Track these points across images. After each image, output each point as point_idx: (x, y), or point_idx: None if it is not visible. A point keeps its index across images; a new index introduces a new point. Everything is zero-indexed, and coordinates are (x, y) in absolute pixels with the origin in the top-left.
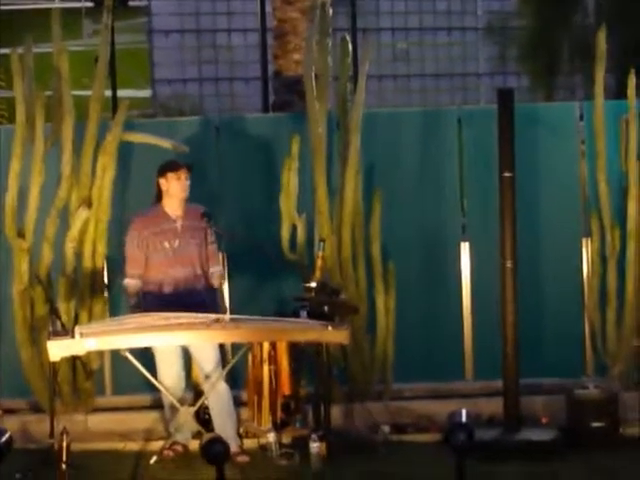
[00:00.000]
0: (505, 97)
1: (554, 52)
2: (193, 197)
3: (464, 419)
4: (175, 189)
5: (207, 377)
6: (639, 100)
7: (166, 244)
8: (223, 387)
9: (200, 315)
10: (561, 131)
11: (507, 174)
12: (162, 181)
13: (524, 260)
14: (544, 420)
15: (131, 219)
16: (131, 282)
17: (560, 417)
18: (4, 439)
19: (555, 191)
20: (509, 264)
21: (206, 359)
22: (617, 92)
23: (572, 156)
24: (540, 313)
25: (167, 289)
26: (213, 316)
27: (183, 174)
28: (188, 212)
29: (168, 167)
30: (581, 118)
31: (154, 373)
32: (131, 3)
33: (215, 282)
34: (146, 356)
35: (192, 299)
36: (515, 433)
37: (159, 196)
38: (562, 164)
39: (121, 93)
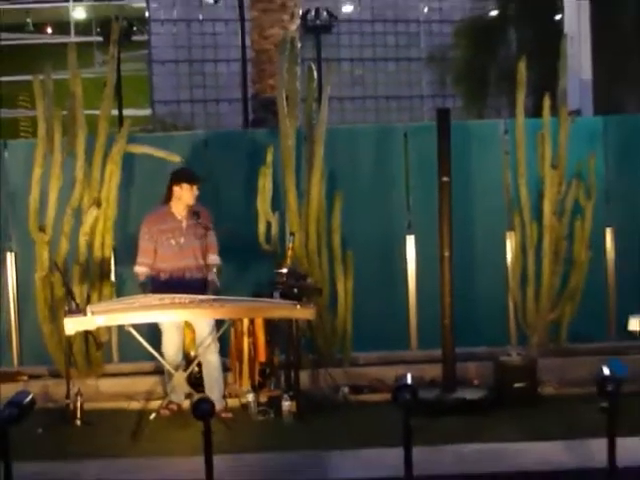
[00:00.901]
0: (443, 115)
1: (483, 78)
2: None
3: (409, 381)
4: (187, 197)
5: (201, 346)
6: (552, 118)
7: (172, 241)
8: (215, 358)
9: (193, 296)
10: (489, 143)
11: (445, 179)
12: (176, 188)
13: (459, 249)
14: (475, 382)
15: (144, 217)
16: (141, 269)
17: (489, 379)
18: (28, 400)
19: (484, 193)
20: (446, 253)
21: (201, 331)
22: (535, 112)
23: (498, 164)
24: (472, 293)
25: (172, 276)
26: (205, 297)
27: (196, 186)
28: (190, 213)
29: (185, 178)
30: (505, 133)
31: (154, 344)
32: (134, 38)
33: (213, 271)
34: (147, 329)
35: (192, 284)
36: (452, 393)
37: (168, 198)
38: (490, 171)
39: (125, 112)
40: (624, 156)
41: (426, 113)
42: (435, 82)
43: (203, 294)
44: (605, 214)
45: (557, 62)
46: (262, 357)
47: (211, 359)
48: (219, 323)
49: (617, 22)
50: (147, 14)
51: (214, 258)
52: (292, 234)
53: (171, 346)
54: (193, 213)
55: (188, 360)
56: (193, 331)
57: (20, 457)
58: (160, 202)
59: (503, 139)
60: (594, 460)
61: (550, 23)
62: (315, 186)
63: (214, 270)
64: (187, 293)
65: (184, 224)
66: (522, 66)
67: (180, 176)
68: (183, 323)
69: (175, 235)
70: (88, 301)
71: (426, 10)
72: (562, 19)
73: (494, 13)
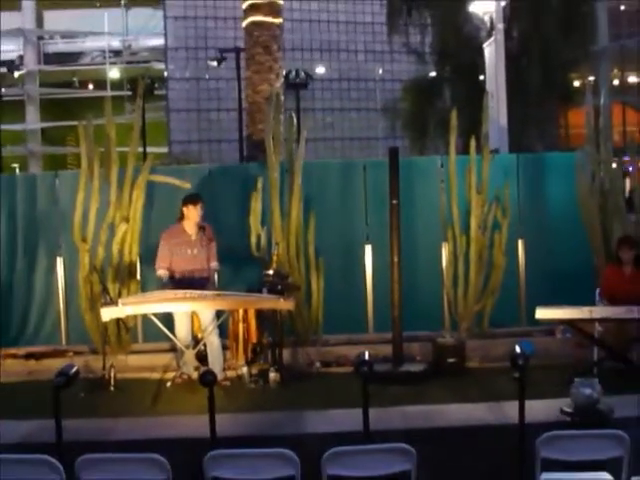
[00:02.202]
0: (393, 153)
1: (425, 124)
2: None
3: (367, 357)
4: (193, 215)
5: (205, 331)
6: (477, 155)
7: (188, 251)
8: (216, 339)
9: (200, 292)
10: (428, 175)
11: (394, 201)
12: (185, 209)
13: (405, 256)
14: (418, 358)
15: (162, 232)
16: (162, 272)
17: (428, 356)
18: (73, 371)
19: (424, 212)
20: (396, 259)
21: (205, 319)
22: (464, 150)
23: (435, 190)
24: (416, 290)
25: (185, 277)
26: (209, 292)
27: (199, 206)
28: (198, 228)
29: (190, 200)
30: (441, 166)
31: (169, 328)
32: (156, 92)
33: (212, 272)
34: (164, 317)
35: (198, 283)
36: (400, 366)
37: (181, 217)
38: (429, 195)
39: (148, 149)
40: (532, 184)
41: (381, 151)
42: (388, 127)
43: (204, 289)
44: (517, 228)
45: (480, 112)
46: (254, 338)
47: (213, 340)
48: (219, 312)
49: (526, 82)
50: (166, 74)
51: (214, 265)
52: (277, 244)
53: (182, 330)
54: (200, 228)
55: (196, 341)
56: (199, 319)
57: (67, 415)
58: (176, 220)
59: (439, 171)
60: (508, 418)
61: (475, 82)
62: (294, 207)
63: (214, 273)
64: (194, 289)
65: (194, 238)
66: (453, 115)
67: (187, 199)
68: (191, 312)
69: (189, 246)
70: (119, 295)
71: (380, 71)
72: (484, 79)
73: (433, 74)
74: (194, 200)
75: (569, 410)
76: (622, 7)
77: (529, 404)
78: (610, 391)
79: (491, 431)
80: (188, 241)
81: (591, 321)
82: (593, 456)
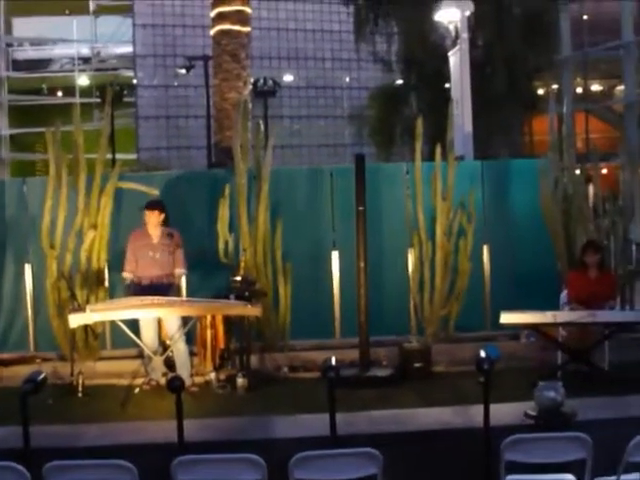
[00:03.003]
0: (360, 160)
1: (391, 131)
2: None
3: (333, 363)
4: (150, 220)
5: (172, 337)
6: (442, 162)
7: (150, 253)
8: (183, 346)
9: (167, 298)
10: (394, 181)
11: (361, 208)
12: (144, 214)
13: (372, 261)
14: (384, 363)
15: (130, 234)
16: (127, 275)
17: (395, 361)
18: (41, 377)
19: (391, 218)
20: (362, 264)
21: (171, 326)
22: (429, 157)
23: (401, 197)
24: (382, 295)
25: (148, 281)
26: (177, 298)
27: (155, 212)
28: (162, 233)
29: (146, 206)
30: (407, 173)
31: (138, 334)
32: (125, 99)
33: (177, 279)
34: (132, 323)
35: (163, 288)
36: (366, 371)
37: (145, 222)
38: (395, 202)
39: (117, 156)
40: (497, 191)
41: (348, 158)
42: (355, 134)
43: (169, 295)
44: (482, 234)
45: (446, 120)
46: (221, 344)
47: (180, 346)
48: (187, 318)
49: (491, 90)
50: (135, 81)
51: (180, 271)
52: (244, 250)
53: (148, 336)
54: (168, 234)
55: (164, 347)
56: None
57: (35, 422)
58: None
59: (405, 178)
60: (474, 421)
61: (441, 90)
62: (262, 214)
63: (179, 280)
64: (160, 295)
65: (155, 241)
66: (419, 122)
67: (145, 205)
68: (159, 318)
69: (151, 249)
70: (87, 302)
71: (348, 79)
72: (450, 87)
73: (399, 82)
74: (149, 206)
75: (533, 413)
76: (585, 16)
77: (494, 407)
78: (574, 394)
79: (457, 435)
80: (150, 244)
81: (555, 325)
82: (557, 458)
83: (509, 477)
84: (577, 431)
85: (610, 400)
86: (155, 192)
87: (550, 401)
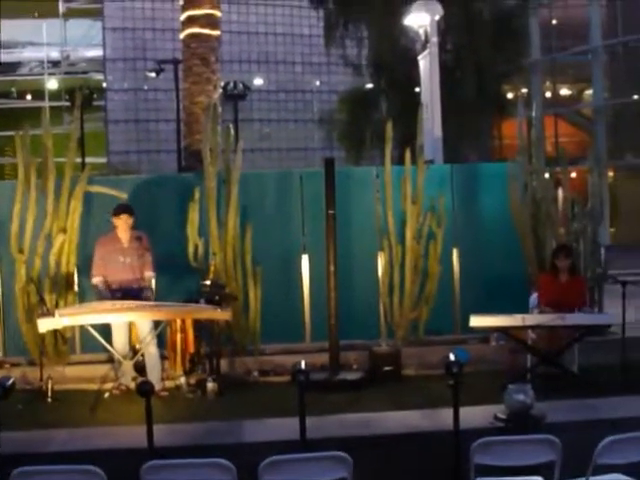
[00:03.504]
0: (329, 163)
1: (361, 135)
2: (136, 226)
3: (303, 366)
4: (119, 225)
5: (143, 341)
6: (412, 166)
7: (120, 258)
8: (154, 350)
9: (137, 302)
10: (364, 185)
11: (331, 211)
12: (113, 218)
13: (342, 265)
14: (354, 366)
15: (97, 239)
16: (97, 279)
17: (365, 364)
18: (10, 382)
19: (361, 222)
20: (332, 268)
21: (143, 329)
22: (399, 161)
23: (371, 200)
24: (352, 298)
25: (118, 286)
26: (147, 303)
27: (124, 216)
28: (132, 237)
29: (114, 211)
30: (377, 177)
31: (107, 338)
32: (94, 103)
33: (147, 281)
34: (102, 327)
35: (133, 293)
36: (336, 375)
37: (114, 226)
38: (365, 205)
39: (87, 160)
40: (466, 195)
41: (318, 162)
42: (325, 138)
43: (141, 300)
44: (452, 238)
45: (416, 124)
46: (191, 349)
47: (151, 351)
48: (157, 322)
49: (461, 94)
50: (104, 85)
51: (149, 275)
52: (214, 254)
53: (119, 340)
54: (136, 238)
55: (134, 351)
56: (137, 329)
57: (4, 427)
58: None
59: (375, 182)
60: (444, 424)
61: (411, 95)
62: (231, 218)
63: (149, 283)
64: (130, 299)
65: (126, 246)
66: (389, 126)
67: (113, 210)
68: (129, 323)
69: (121, 254)
70: (56, 306)
71: (318, 83)
72: (419, 91)
73: (369, 86)
74: (118, 211)
75: (503, 416)
76: (554, 21)
77: (464, 411)
78: (543, 397)
79: (426, 438)
80: (121, 249)
81: (524, 328)
82: (526, 461)
83: None
84: (546, 433)
85: (579, 403)
86: (124, 196)
87: (519, 404)
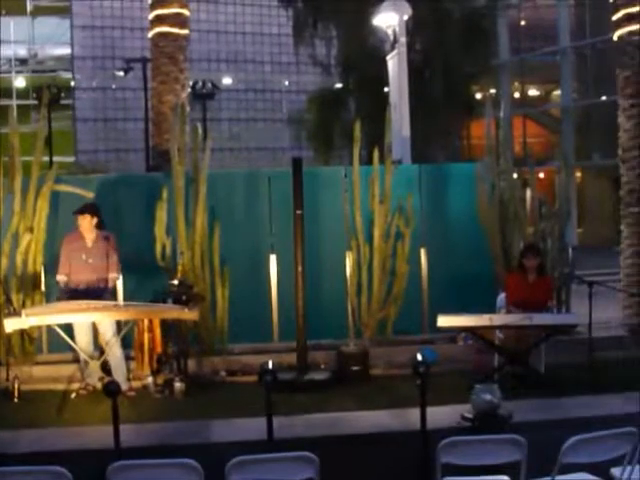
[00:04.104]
0: (297, 163)
1: (329, 135)
2: (106, 225)
3: (270, 366)
4: (81, 224)
5: (107, 342)
6: (380, 166)
7: (83, 256)
8: (118, 349)
9: (104, 302)
10: (332, 184)
11: (298, 211)
12: (76, 218)
13: (310, 265)
14: (322, 366)
15: (64, 238)
16: (61, 278)
17: (332, 364)
18: None
19: (329, 222)
20: (300, 268)
21: (106, 330)
22: (367, 161)
23: (339, 200)
24: (320, 298)
25: (82, 286)
26: (113, 302)
27: (86, 216)
28: (97, 236)
29: (77, 210)
30: (345, 176)
31: (74, 339)
32: (62, 101)
33: (111, 283)
34: (69, 327)
35: (97, 292)
36: (304, 375)
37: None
38: (333, 205)
39: (54, 159)
40: (434, 194)
41: (286, 161)
42: (293, 138)
43: (104, 299)
44: (420, 237)
45: (384, 123)
46: (159, 348)
47: (115, 351)
48: (124, 322)
49: (429, 94)
50: (73, 83)
51: (113, 276)
52: (182, 253)
53: (82, 340)
54: (104, 237)
55: (101, 351)
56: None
57: None
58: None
59: (343, 181)
60: (411, 424)
61: (379, 94)
62: (199, 217)
63: (113, 284)
64: (94, 299)
65: (90, 245)
66: (357, 126)
67: (76, 210)
68: (92, 322)
69: (84, 253)
70: (23, 306)
71: (287, 83)
72: (388, 91)
73: (338, 86)
74: (80, 211)
75: (469, 416)
76: (522, 22)
77: (431, 410)
78: (510, 396)
79: (394, 438)
80: (84, 247)
81: (491, 328)
82: (492, 460)
83: (445, 479)
84: (513, 433)
85: (545, 402)
86: (90, 195)
87: (486, 403)
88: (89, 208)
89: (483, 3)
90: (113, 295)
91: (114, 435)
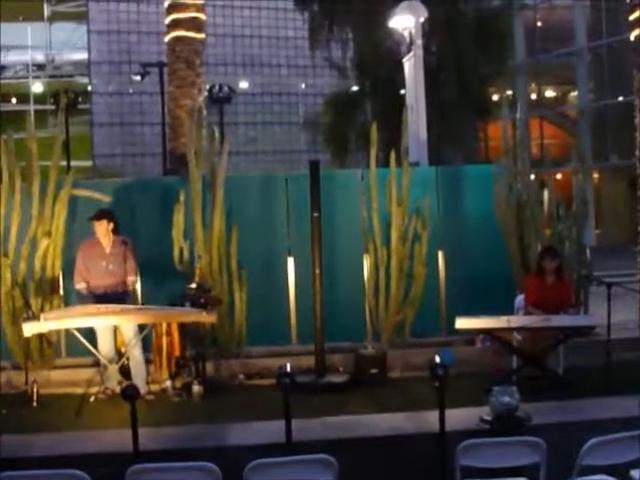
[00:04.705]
0: (314, 166)
1: (346, 138)
2: (121, 230)
3: (289, 369)
4: (97, 230)
5: (128, 343)
6: (397, 168)
7: (102, 263)
8: (138, 353)
9: (122, 306)
10: (349, 187)
11: (315, 214)
12: (92, 224)
13: (327, 268)
14: (340, 369)
15: (80, 245)
16: (81, 285)
17: (350, 367)
18: None
19: (346, 224)
20: (317, 271)
21: (127, 332)
22: (384, 163)
23: (356, 203)
24: (337, 301)
25: (102, 291)
26: (131, 306)
27: (103, 221)
28: (115, 242)
29: (94, 216)
30: (362, 179)
31: (92, 342)
32: (79, 106)
33: (129, 287)
34: (87, 331)
35: (118, 296)
36: (322, 377)
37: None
38: (350, 208)
39: (72, 163)
40: (451, 196)
41: (303, 164)
42: (310, 141)
43: (124, 304)
44: (437, 239)
45: (400, 126)
46: (177, 352)
47: (136, 354)
48: (143, 326)
49: (445, 96)
50: (90, 88)
51: (132, 279)
52: (199, 257)
53: (105, 344)
54: (122, 242)
55: (119, 355)
56: (122, 333)
57: None
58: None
59: (360, 184)
60: (429, 427)
61: (395, 97)
62: (216, 220)
63: (132, 287)
64: (113, 303)
65: (108, 251)
66: (374, 129)
67: (92, 216)
68: (114, 326)
69: (103, 259)
70: (41, 310)
71: (303, 86)
72: (404, 93)
73: (354, 89)
74: (96, 216)
75: (488, 418)
76: (538, 23)
77: (449, 413)
78: (528, 398)
79: (412, 440)
80: (102, 254)
81: (509, 330)
82: (511, 463)
83: None
84: (531, 435)
85: (564, 404)
86: (107, 199)
87: (505, 406)
88: (105, 214)
89: (499, 4)
90: (133, 299)
91: (133, 438)
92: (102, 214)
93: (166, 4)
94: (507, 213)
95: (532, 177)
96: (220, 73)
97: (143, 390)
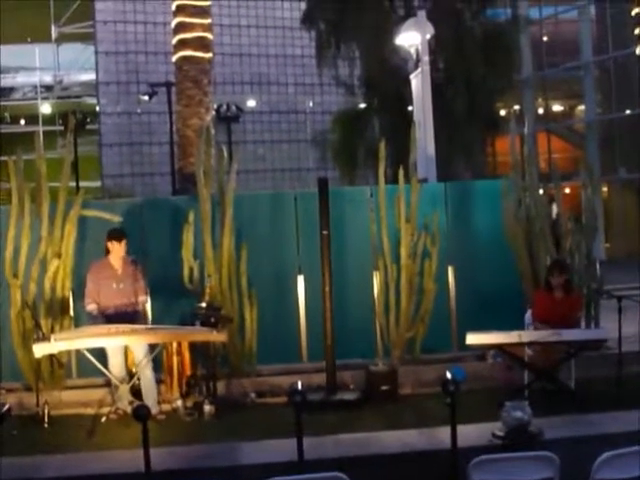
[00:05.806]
0: (323, 183)
1: (354, 155)
2: (131, 250)
3: (300, 387)
4: (117, 250)
5: (138, 363)
6: (406, 185)
7: (114, 285)
8: (149, 373)
9: (132, 326)
10: (358, 204)
11: (325, 232)
12: (109, 244)
13: (337, 285)
14: (351, 386)
15: (89, 266)
16: (91, 307)
17: (361, 384)
18: (5, 408)
19: (355, 242)
20: (327, 288)
21: (138, 352)
22: (393, 180)
23: (365, 220)
24: (348, 318)
25: (113, 311)
26: (142, 326)
27: (124, 242)
28: (125, 262)
29: (114, 236)
30: (371, 196)
31: (103, 362)
32: (88, 127)
33: (140, 307)
34: (98, 352)
35: (130, 316)
36: (333, 395)
37: (107, 251)
38: (359, 225)
39: (81, 184)
40: (460, 212)
41: (311, 182)
42: (318, 158)
43: (135, 324)
44: (447, 256)
45: (409, 142)
46: (188, 371)
47: (147, 374)
48: (153, 346)
49: (453, 111)
50: (98, 108)
51: (142, 299)
52: (209, 276)
53: (116, 364)
54: (132, 262)
55: (130, 375)
56: (133, 353)
57: (1, 453)
58: (104, 254)
59: (369, 201)
60: (441, 443)
61: (403, 113)
62: (226, 239)
63: (143, 307)
64: (124, 323)
65: (120, 272)
66: (382, 146)
67: (111, 235)
68: (125, 346)
69: (115, 280)
70: (52, 331)
71: (311, 104)
72: (412, 110)
73: (362, 106)
74: (117, 236)
75: (500, 433)
76: (544, 38)
77: (461, 429)
78: (541, 413)
79: (424, 457)
80: (114, 275)
81: (520, 345)
82: (524, 478)
83: None
84: (544, 450)
85: (576, 418)
86: (117, 219)
87: (517, 421)
88: (124, 233)
89: (505, 20)
90: (144, 318)
91: (144, 459)
92: (123, 234)
93: (173, 24)
94: (516, 228)
95: (541, 192)
96: (228, 92)
97: (154, 410)
